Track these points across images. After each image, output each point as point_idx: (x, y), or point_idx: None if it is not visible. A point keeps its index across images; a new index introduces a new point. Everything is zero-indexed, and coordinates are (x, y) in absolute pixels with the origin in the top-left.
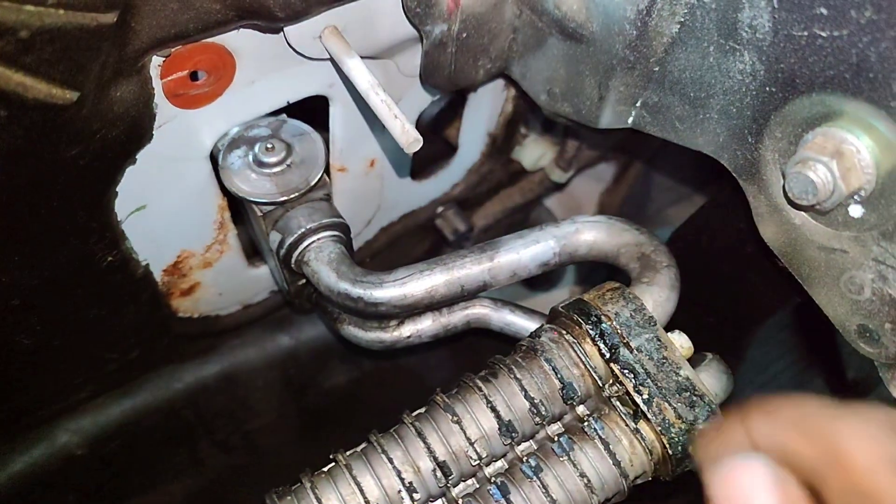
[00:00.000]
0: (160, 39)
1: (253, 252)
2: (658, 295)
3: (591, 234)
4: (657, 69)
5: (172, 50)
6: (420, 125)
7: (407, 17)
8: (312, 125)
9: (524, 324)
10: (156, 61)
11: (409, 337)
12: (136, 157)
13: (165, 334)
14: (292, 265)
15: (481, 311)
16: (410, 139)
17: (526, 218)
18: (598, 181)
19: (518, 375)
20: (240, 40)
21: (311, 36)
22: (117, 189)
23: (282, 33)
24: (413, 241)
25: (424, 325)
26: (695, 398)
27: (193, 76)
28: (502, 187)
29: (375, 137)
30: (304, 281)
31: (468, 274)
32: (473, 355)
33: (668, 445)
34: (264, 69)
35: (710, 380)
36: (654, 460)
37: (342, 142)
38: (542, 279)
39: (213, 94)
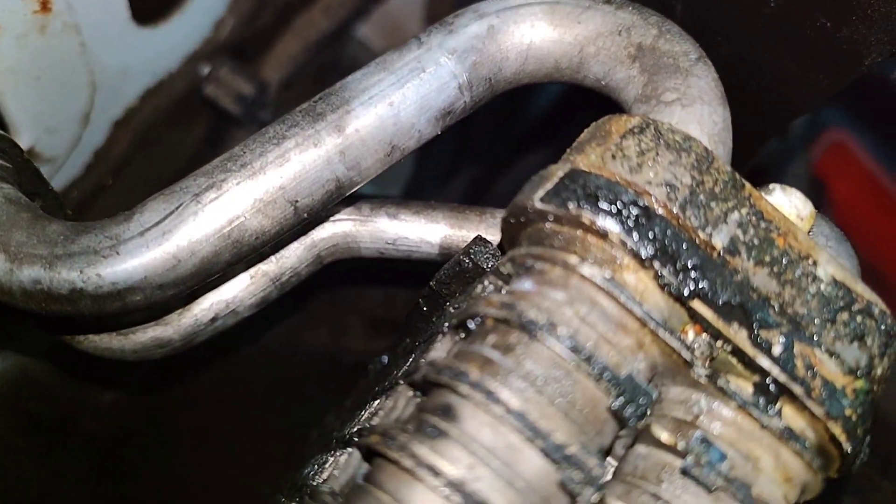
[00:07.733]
0: None
1: None
2: (711, 120)
3: (520, 29)
4: None
5: None
6: None
7: None
8: None
9: (421, 235)
10: None
11: (213, 320)
12: None
13: None
14: None
15: (337, 229)
16: None
17: (339, 58)
18: None
19: (514, 405)
20: None
21: None
22: None
23: None
24: (177, 132)
25: (237, 289)
26: (859, 318)
27: None
28: (295, 12)
29: None
30: None
31: (302, 171)
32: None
33: (840, 432)
34: None
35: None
36: (817, 465)
37: None
38: None
39: None
